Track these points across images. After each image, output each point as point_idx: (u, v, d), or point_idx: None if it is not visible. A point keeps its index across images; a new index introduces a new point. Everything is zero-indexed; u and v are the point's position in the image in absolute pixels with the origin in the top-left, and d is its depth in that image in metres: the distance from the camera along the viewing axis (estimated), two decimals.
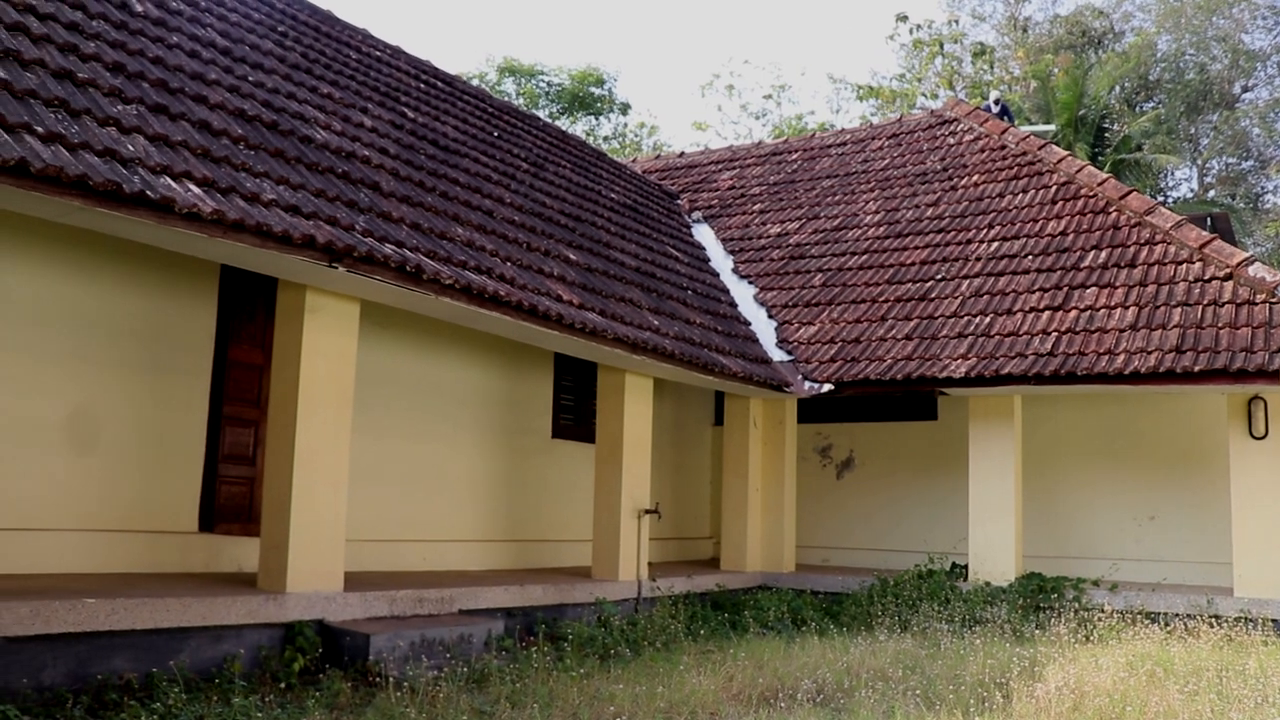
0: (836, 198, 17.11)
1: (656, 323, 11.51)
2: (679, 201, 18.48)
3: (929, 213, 15.60)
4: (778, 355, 13.73)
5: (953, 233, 14.86)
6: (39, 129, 6.14)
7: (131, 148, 6.75)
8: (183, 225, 6.54)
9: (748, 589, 12.99)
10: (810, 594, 12.70)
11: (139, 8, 9.04)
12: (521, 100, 35.53)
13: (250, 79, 9.37)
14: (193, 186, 6.83)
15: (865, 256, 15.16)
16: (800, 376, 13.18)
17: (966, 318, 12.96)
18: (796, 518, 14.08)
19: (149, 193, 6.31)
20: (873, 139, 18.68)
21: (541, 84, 37.27)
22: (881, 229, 15.68)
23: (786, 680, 7.78)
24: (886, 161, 17.64)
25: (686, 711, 6.76)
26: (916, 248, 14.86)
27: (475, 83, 21.29)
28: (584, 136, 34.72)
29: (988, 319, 12.77)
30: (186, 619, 6.93)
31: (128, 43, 8.18)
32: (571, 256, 11.44)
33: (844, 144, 18.92)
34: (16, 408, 7.83)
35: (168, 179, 6.71)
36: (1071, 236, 13.68)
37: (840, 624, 11.26)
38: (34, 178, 5.79)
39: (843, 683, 7.74)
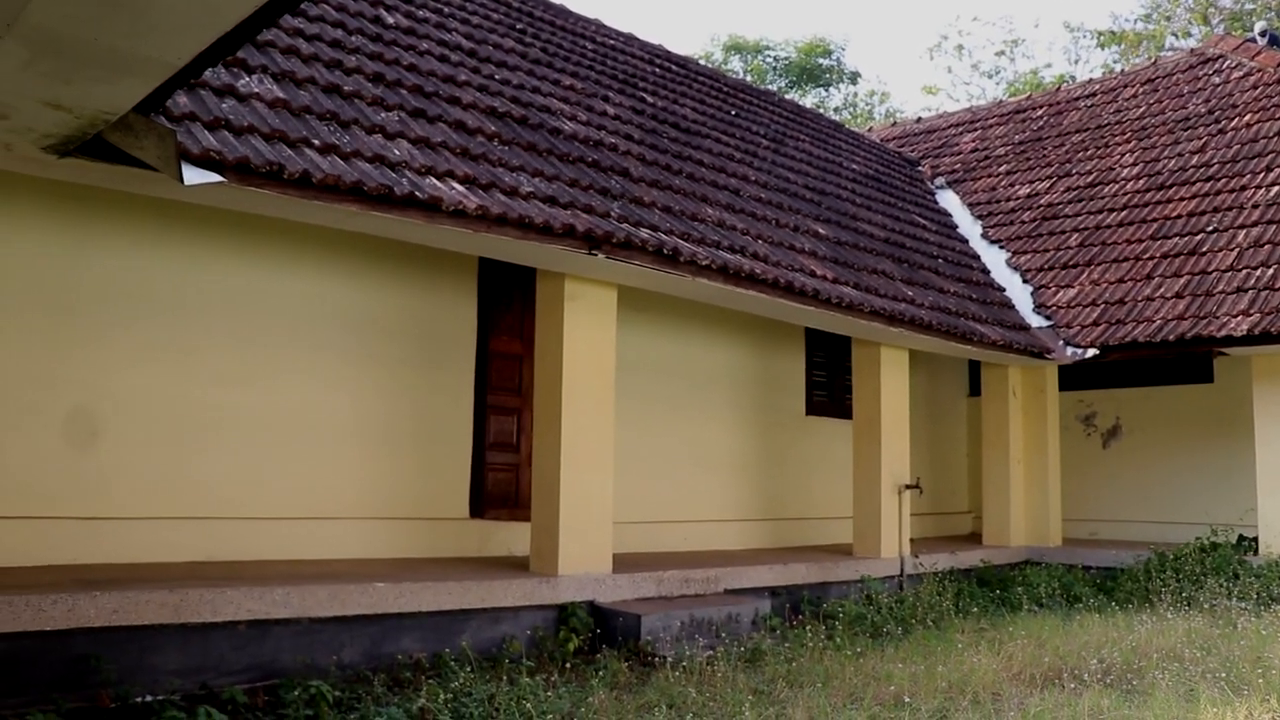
0: (1088, 152, 16.26)
1: (910, 293, 11.22)
2: (920, 168, 17.96)
3: (1194, 160, 14.60)
4: (1035, 321, 13.16)
5: (1224, 180, 13.85)
6: (315, 142, 6.52)
7: (397, 152, 7.06)
8: (450, 223, 6.79)
9: (1013, 564, 12.53)
10: (1081, 569, 12.16)
11: (390, 19, 9.47)
12: (750, 77, 35.32)
13: (497, 77, 9.66)
14: (456, 185, 7.08)
15: (1125, 212, 14.34)
16: (1061, 342, 12.59)
17: (1245, 270, 12.04)
18: (1061, 490, 13.48)
19: (417, 194, 6.57)
20: (1125, 87, 17.66)
21: (768, 59, 36.93)
22: (1141, 182, 14.79)
23: (1069, 659, 7.45)
24: (1142, 109, 16.63)
25: (969, 692, 6.54)
26: (1182, 199, 13.94)
27: (703, 63, 21.30)
28: (815, 109, 34.25)
29: (1270, 271, 11.81)
30: (467, 601, 7.21)
31: (384, 53, 8.59)
32: (820, 230, 11.29)
33: (1093, 95, 17.99)
34: (309, 406, 8.32)
35: (432, 179, 6.98)
36: None
37: (1116, 600, 10.75)
38: (315, 187, 6.13)
39: (1131, 663, 7.36)
